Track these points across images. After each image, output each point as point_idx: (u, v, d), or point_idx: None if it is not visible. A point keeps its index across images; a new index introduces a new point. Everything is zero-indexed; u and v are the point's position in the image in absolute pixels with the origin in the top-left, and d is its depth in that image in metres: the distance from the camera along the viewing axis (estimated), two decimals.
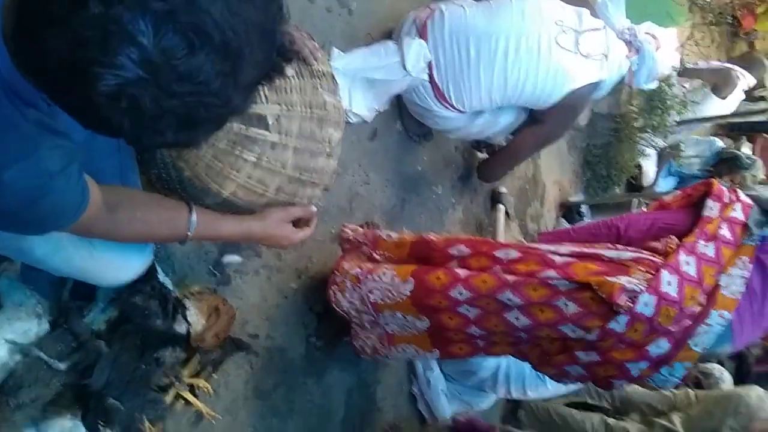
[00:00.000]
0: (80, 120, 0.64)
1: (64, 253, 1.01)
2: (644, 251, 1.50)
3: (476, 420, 2.06)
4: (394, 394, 2.25)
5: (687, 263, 1.43)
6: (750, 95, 4.57)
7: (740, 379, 3.13)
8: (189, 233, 1.04)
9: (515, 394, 2.40)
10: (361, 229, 1.80)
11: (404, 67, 1.91)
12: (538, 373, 2.07)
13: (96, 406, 1.15)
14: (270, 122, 1.12)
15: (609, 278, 1.37)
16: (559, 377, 1.64)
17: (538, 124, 2.13)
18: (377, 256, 1.72)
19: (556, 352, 1.52)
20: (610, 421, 2.49)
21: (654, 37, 2.31)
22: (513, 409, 2.76)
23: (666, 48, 2.47)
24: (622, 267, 1.44)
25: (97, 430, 1.17)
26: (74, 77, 0.57)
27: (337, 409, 1.95)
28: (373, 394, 2.13)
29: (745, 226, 1.52)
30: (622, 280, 1.36)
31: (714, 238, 1.50)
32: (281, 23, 0.69)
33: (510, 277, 1.47)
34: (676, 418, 2.39)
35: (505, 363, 2.30)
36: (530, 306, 1.44)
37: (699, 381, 2.84)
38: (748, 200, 1.59)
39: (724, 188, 1.63)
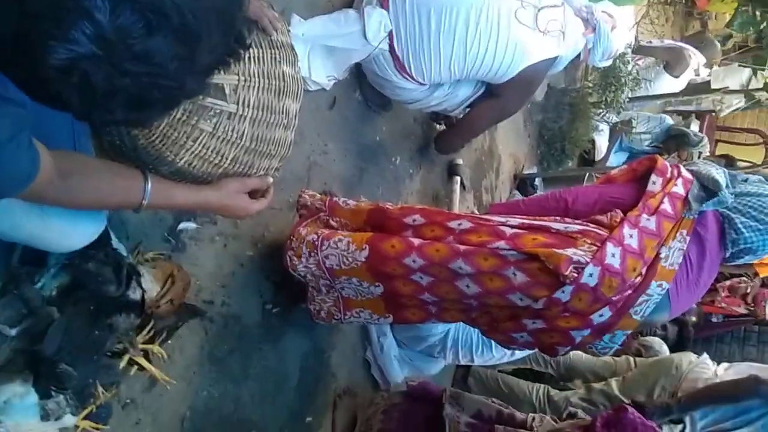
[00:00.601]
0: (29, 93, 0.63)
1: (13, 219, 0.99)
2: (590, 224, 1.56)
3: (428, 384, 2.14)
4: (348, 359, 2.30)
5: (630, 236, 1.50)
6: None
7: (680, 345, 3.33)
8: (144, 201, 1.03)
9: (463, 360, 2.50)
10: (318, 195, 1.81)
11: (365, 37, 1.90)
12: (486, 339, 2.16)
13: (48, 372, 1.15)
14: (227, 92, 1.11)
15: (556, 250, 1.43)
16: (507, 343, 1.71)
17: (494, 97, 2.17)
18: (333, 223, 1.75)
19: (504, 319, 1.59)
20: (553, 392, 2.62)
21: (610, 15, 2.37)
22: (463, 375, 2.87)
23: (621, 27, 2.53)
24: (569, 239, 1.50)
25: (50, 395, 1.16)
26: (25, 49, 0.56)
27: (292, 374, 1.99)
28: (328, 359, 2.18)
29: (685, 201, 1.60)
30: (569, 251, 1.43)
31: (656, 212, 1.56)
32: (241, 9, 0.69)
33: (462, 247, 1.51)
34: (614, 383, 2.54)
35: (454, 329, 2.39)
36: (480, 275, 1.49)
37: (640, 353, 3.01)
38: (689, 176, 1.66)
39: (668, 164, 1.71)
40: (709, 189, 1.59)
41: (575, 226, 1.52)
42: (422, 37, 1.93)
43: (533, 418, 1.82)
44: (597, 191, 1.76)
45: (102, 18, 0.55)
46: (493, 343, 2.34)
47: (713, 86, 4.39)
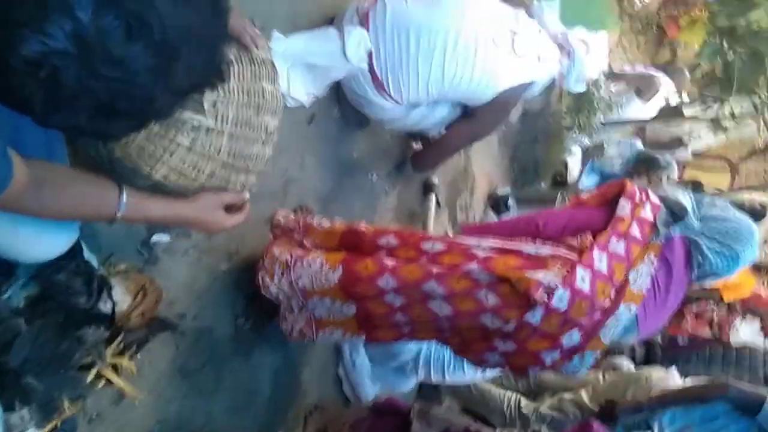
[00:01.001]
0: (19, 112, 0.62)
1: None
2: (562, 247, 1.60)
3: (394, 399, 2.14)
4: (320, 375, 2.29)
5: (600, 260, 1.54)
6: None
7: (648, 365, 3.39)
8: (118, 214, 1.02)
9: (435, 379, 2.51)
10: (292, 216, 1.82)
11: (344, 55, 1.92)
12: (459, 357, 2.17)
13: (12, 385, 1.13)
14: (206, 107, 1.11)
15: (527, 274, 1.46)
16: (479, 363, 1.73)
17: (470, 118, 2.20)
18: (307, 243, 1.75)
19: (475, 339, 1.60)
20: (524, 403, 2.64)
21: (585, 42, 2.43)
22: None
23: (596, 53, 2.60)
24: (540, 261, 1.53)
25: (13, 408, 1.14)
26: None
27: (264, 389, 1.98)
28: (300, 375, 2.17)
29: (653, 226, 1.64)
30: (539, 275, 1.46)
31: (625, 236, 1.60)
32: (225, 43, 0.69)
33: (435, 269, 1.53)
34: (584, 393, 2.57)
35: (426, 347, 2.40)
36: (453, 296, 1.51)
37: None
38: (657, 201, 1.71)
39: (636, 189, 1.76)
40: (676, 214, 1.64)
41: (546, 249, 1.56)
42: (401, 58, 1.96)
43: None
44: (567, 215, 1.80)
45: (83, 17, 0.55)
46: (464, 362, 2.36)
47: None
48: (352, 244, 1.71)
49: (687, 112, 4.53)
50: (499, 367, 1.72)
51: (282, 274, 1.64)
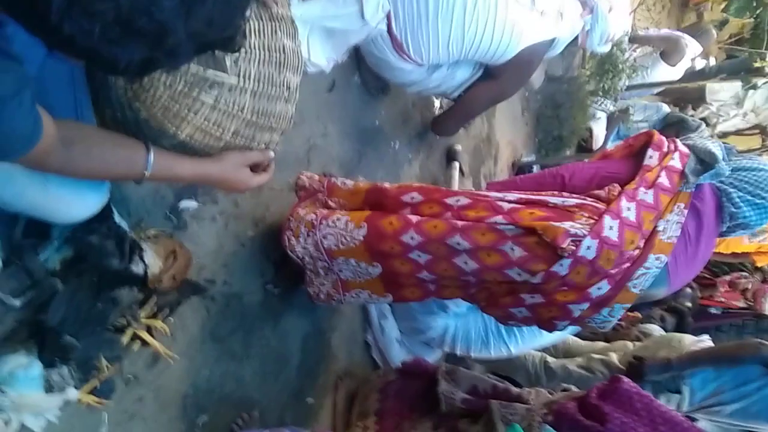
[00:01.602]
0: (33, 29, 0.62)
1: (16, 187, 1.00)
2: (588, 198, 1.57)
3: (422, 360, 2.15)
4: (349, 341, 2.31)
5: (628, 209, 1.51)
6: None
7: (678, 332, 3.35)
8: (146, 172, 1.04)
9: (459, 353, 2.51)
10: (316, 176, 1.82)
11: (363, 17, 1.90)
12: (484, 337, 2.18)
13: (52, 343, 1.16)
14: (228, 64, 1.11)
15: (553, 223, 1.44)
16: (506, 319, 1.72)
17: (491, 79, 2.17)
18: (332, 204, 1.75)
19: (502, 294, 1.60)
20: (550, 359, 2.62)
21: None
22: None
23: (619, 10, 2.54)
24: (566, 213, 1.51)
25: (54, 366, 1.18)
26: None
27: (293, 355, 2.00)
28: (329, 341, 2.19)
29: (682, 174, 1.60)
30: (566, 224, 1.43)
31: (653, 185, 1.56)
32: (247, 7, 0.73)
33: (460, 222, 1.52)
34: (614, 355, 2.55)
35: (453, 326, 2.39)
36: (478, 250, 1.50)
37: (640, 339, 3.02)
38: (686, 149, 1.67)
39: (664, 138, 1.71)
40: (705, 162, 1.60)
41: (572, 200, 1.53)
42: (420, 17, 1.93)
43: (528, 392, 1.83)
44: (594, 167, 1.77)
45: None
46: (490, 341, 2.36)
47: (708, 99, 4.47)
48: (377, 203, 1.70)
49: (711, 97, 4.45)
50: (526, 323, 1.71)
51: (308, 234, 1.65)
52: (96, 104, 1.14)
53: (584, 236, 1.44)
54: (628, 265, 1.51)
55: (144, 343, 1.41)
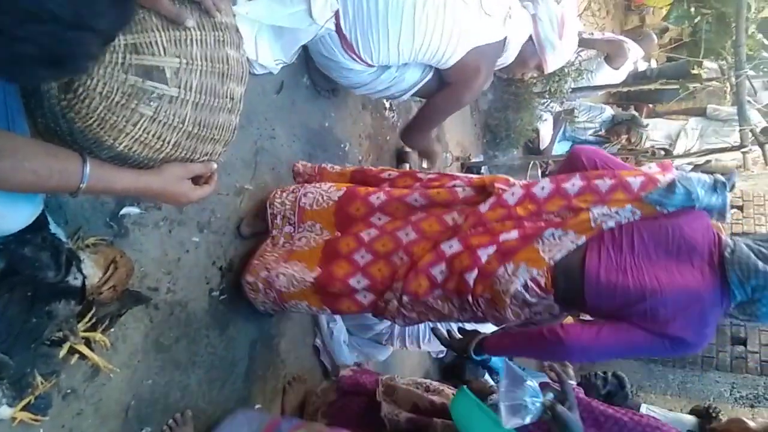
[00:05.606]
0: None
1: None
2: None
3: (360, 376, 2.18)
4: (298, 346, 2.31)
5: (572, 184, 1.58)
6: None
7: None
8: (81, 185, 1.00)
9: (410, 347, 2.54)
10: (309, 164, 2.10)
11: (311, 16, 1.88)
12: (431, 327, 2.22)
13: None
14: (168, 75, 1.08)
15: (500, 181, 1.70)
16: (428, 290, 1.65)
17: (446, 86, 2.19)
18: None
19: (424, 253, 1.65)
20: None
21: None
22: None
23: (570, 29, 2.58)
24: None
25: None
26: None
27: (240, 361, 1.98)
28: (277, 346, 2.18)
29: (671, 185, 1.49)
30: (510, 180, 1.72)
31: (618, 178, 1.54)
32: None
33: (419, 184, 1.84)
34: None
35: None
36: (431, 205, 1.75)
37: None
38: (679, 175, 1.53)
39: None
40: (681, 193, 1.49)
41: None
42: (370, 16, 1.91)
43: None
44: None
45: None
46: None
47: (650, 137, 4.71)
48: (361, 180, 1.95)
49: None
50: (444, 288, 1.64)
51: (292, 191, 1.88)
52: (28, 114, 1.10)
53: (514, 185, 1.66)
54: (542, 224, 1.58)
55: (82, 356, 1.37)
